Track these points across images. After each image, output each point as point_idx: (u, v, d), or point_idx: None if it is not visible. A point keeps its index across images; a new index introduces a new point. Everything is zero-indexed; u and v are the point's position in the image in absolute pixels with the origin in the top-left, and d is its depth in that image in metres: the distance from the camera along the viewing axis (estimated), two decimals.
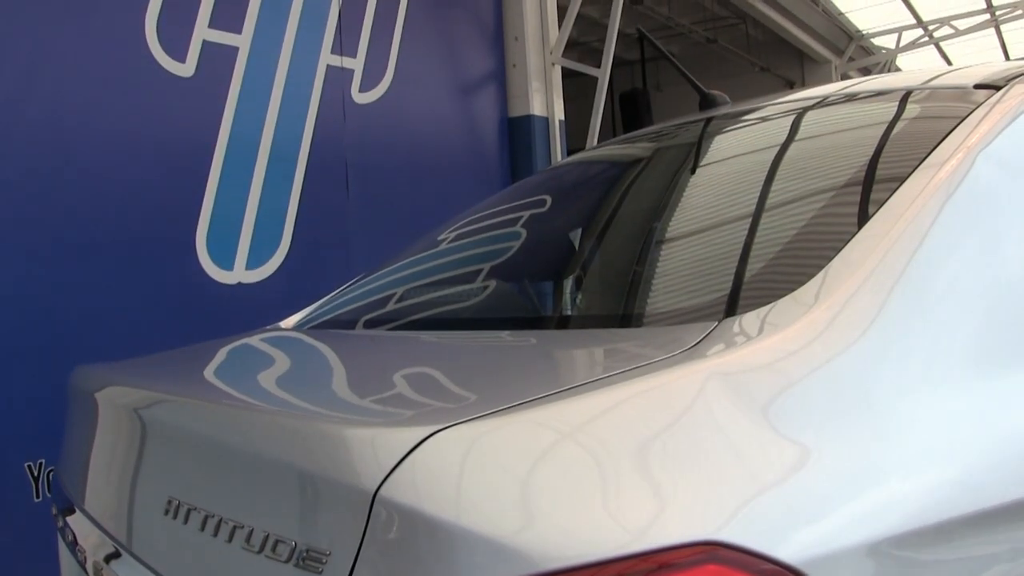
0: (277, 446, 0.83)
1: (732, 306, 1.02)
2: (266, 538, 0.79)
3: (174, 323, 3.37)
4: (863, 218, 1.06)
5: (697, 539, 0.71)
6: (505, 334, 1.29)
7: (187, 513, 0.89)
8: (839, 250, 0.99)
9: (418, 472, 0.72)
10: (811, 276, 0.97)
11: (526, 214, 1.82)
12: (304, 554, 0.75)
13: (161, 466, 1.00)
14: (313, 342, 1.49)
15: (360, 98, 4.38)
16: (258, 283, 3.77)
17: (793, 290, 0.96)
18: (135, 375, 1.30)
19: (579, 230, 1.69)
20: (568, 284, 1.52)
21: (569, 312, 1.42)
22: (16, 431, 3.06)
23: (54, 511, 1.43)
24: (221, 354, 1.44)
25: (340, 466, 0.75)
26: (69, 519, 1.29)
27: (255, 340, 1.57)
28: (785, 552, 0.73)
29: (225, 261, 3.65)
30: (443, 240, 1.89)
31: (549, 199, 1.87)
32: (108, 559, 1.07)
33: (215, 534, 0.85)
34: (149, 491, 0.99)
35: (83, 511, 1.21)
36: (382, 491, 0.72)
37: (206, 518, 0.86)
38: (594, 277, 1.49)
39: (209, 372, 1.32)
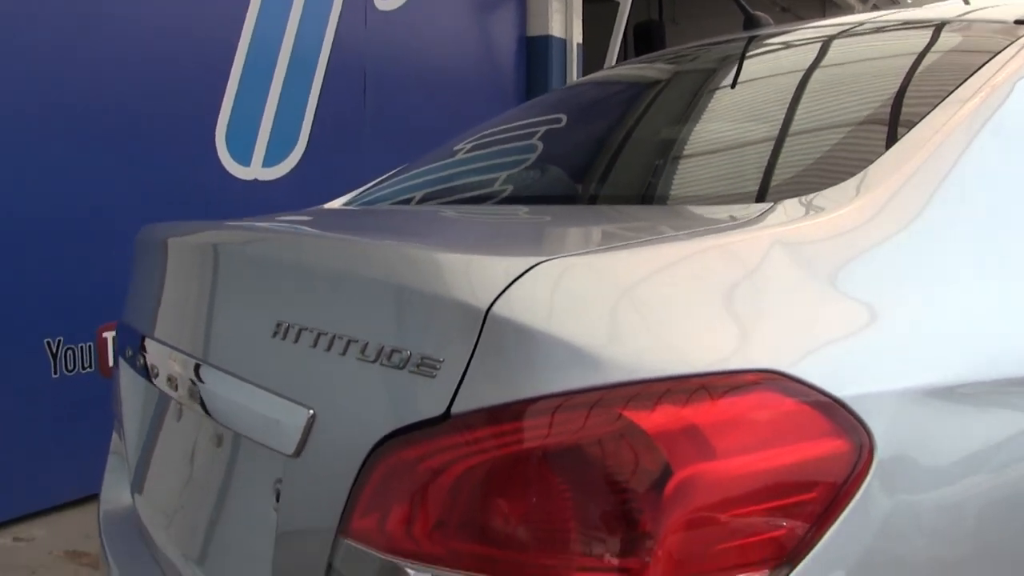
0: (397, 272, 0.94)
1: (785, 192, 1.14)
2: (381, 349, 0.90)
3: (192, 213, 3.47)
4: (906, 129, 1.17)
5: (759, 367, 0.84)
6: (578, 207, 1.41)
7: (298, 333, 1.00)
8: (888, 149, 1.10)
9: (526, 293, 0.84)
10: (862, 169, 1.08)
11: (584, 110, 1.93)
12: (419, 361, 0.86)
13: (270, 295, 1.10)
14: (382, 212, 1.59)
15: (382, 4, 4.41)
16: (273, 181, 3.86)
17: (843, 180, 1.08)
18: (220, 223, 1.40)
19: (637, 126, 1.79)
20: (630, 170, 1.63)
21: (630, 193, 1.53)
22: (34, 311, 3.17)
23: (129, 353, 1.53)
24: (294, 217, 1.54)
25: (458, 286, 0.87)
26: (149, 356, 1.39)
27: (318, 212, 1.67)
28: (833, 387, 0.85)
29: (243, 157, 3.73)
30: (478, 140, 1.99)
31: (602, 102, 1.97)
32: (198, 378, 1.20)
33: (328, 349, 0.96)
34: (256, 318, 1.10)
35: (171, 346, 1.32)
36: (494, 308, 0.83)
37: (318, 336, 0.98)
38: (658, 165, 1.59)
39: (295, 223, 1.41)
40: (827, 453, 0.83)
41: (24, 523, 3.20)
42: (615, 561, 0.78)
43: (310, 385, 0.99)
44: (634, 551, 0.78)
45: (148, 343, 1.42)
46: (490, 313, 0.83)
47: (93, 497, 3.35)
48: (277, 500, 1.07)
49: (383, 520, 0.88)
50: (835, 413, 0.84)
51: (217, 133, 3.62)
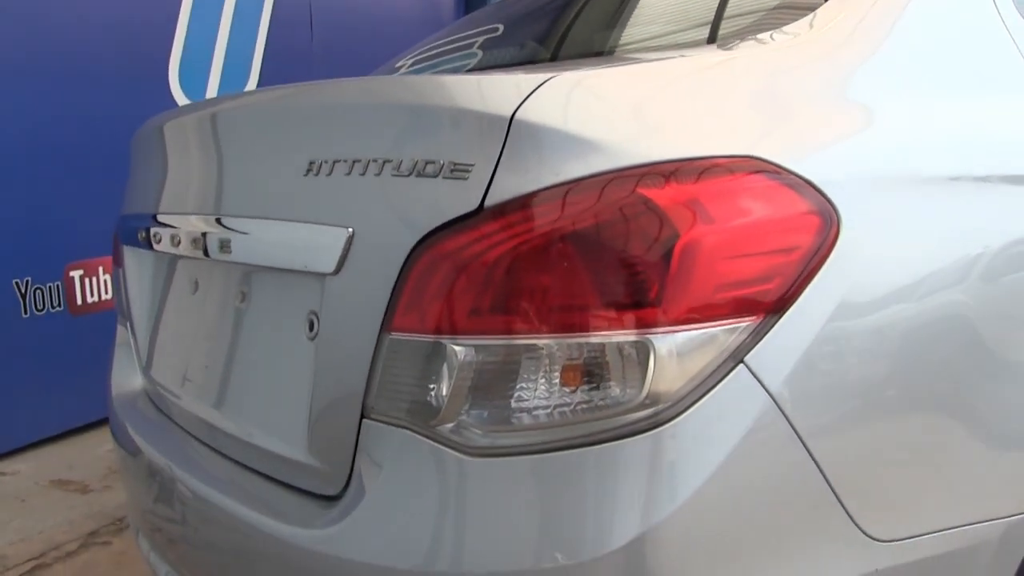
0: (428, 96, 1.05)
1: (738, 37, 1.28)
2: (415, 164, 1.02)
3: None
4: None
5: (745, 153, 0.99)
6: (560, 61, 1.54)
7: (332, 166, 1.11)
8: None
9: (545, 101, 0.97)
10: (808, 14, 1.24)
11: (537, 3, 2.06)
12: (452, 167, 0.99)
13: (298, 140, 1.20)
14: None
15: None
16: None
17: (793, 22, 1.23)
18: (217, 98, 1.49)
19: (586, 6, 1.92)
20: (597, 34, 1.77)
21: (603, 49, 1.66)
22: (1, 252, 3.19)
23: (141, 235, 1.60)
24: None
25: (485, 101, 0.99)
26: (169, 229, 1.48)
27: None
28: (806, 171, 1.01)
29: (196, 94, 3.77)
30: (435, 43, 2.10)
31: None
32: (228, 229, 1.30)
33: (363, 173, 1.07)
34: (285, 163, 1.20)
35: (192, 213, 1.41)
36: (517, 114, 0.96)
37: (353, 163, 1.09)
38: (618, 30, 1.73)
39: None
40: (801, 224, 0.99)
41: (6, 459, 3.26)
42: (632, 312, 0.93)
43: (347, 209, 1.10)
44: (647, 302, 0.93)
45: (165, 218, 1.51)
46: (514, 119, 0.96)
47: (71, 432, 3.44)
48: (311, 330, 1.19)
49: (426, 309, 1.00)
50: (807, 192, 1.00)
51: (170, 71, 3.66)
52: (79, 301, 3.47)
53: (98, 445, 3.34)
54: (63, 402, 3.39)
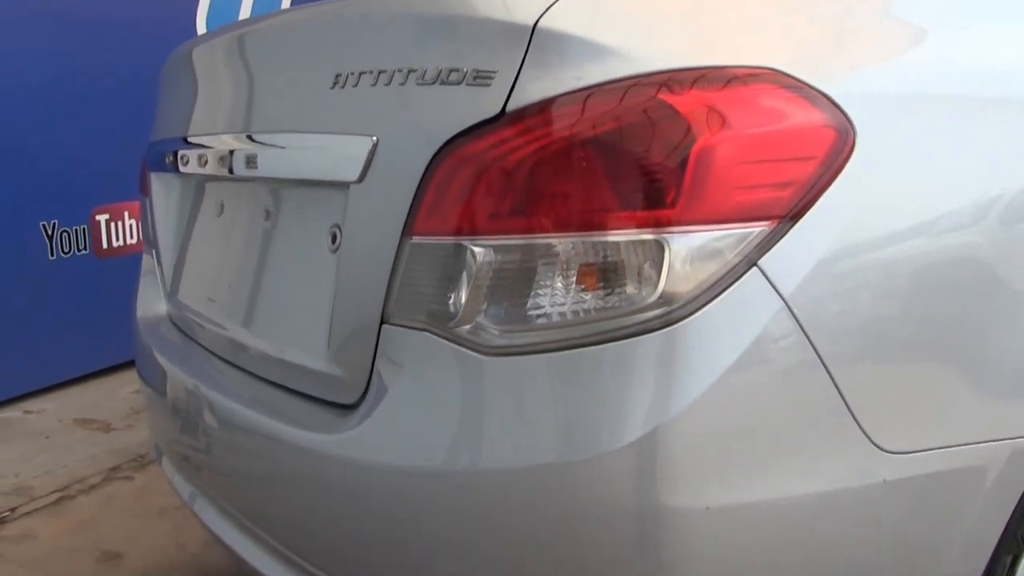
0: (453, 6, 1.08)
1: None
2: (439, 72, 1.04)
3: None
4: None
5: (762, 65, 1.00)
6: None
7: (358, 78, 1.13)
8: None
9: (567, 9, 0.99)
10: None
11: None
12: (476, 75, 1.01)
13: (325, 55, 1.22)
14: None
15: None
16: None
17: None
18: (242, 21, 1.52)
19: None
20: None
21: None
22: (30, 194, 3.25)
23: (169, 159, 1.63)
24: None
25: (507, 8, 1.01)
26: (198, 149, 1.51)
27: None
28: (824, 84, 1.02)
29: None
30: None
31: None
32: (255, 143, 1.33)
33: (388, 83, 1.09)
34: (311, 78, 1.22)
35: (221, 132, 1.44)
36: (540, 22, 0.98)
37: (378, 74, 1.11)
38: None
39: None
40: (817, 136, 1.00)
41: (31, 399, 3.32)
42: (648, 212, 0.95)
43: (371, 119, 1.13)
44: (664, 203, 0.94)
45: (195, 139, 1.54)
46: (538, 25, 0.98)
47: (95, 374, 3.50)
48: (333, 242, 1.22)
49: (447, 212, 1.03)
50: (823, 104, 1.01)
51: (198, 18, 3.68)
52: (104, 245, 3.52)
53: (121, 387, 3.40)
54: (88, 344, 3.45)
